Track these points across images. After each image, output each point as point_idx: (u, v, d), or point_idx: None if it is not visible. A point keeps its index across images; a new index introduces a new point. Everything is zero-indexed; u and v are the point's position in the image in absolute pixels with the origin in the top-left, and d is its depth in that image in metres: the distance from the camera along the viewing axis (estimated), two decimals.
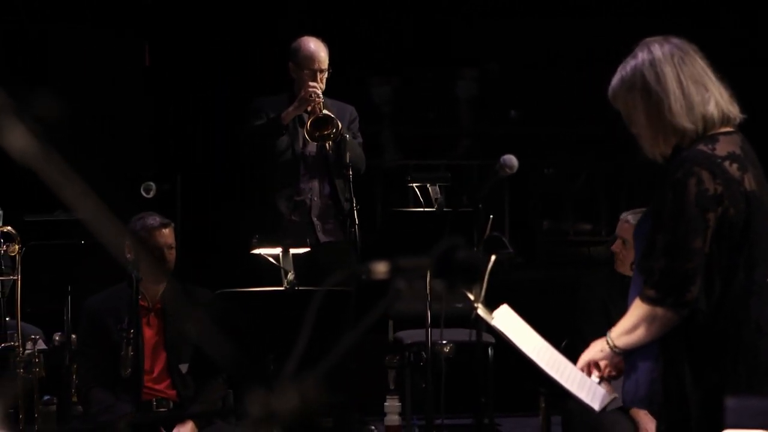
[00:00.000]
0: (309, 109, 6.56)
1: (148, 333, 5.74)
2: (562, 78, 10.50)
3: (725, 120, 3.43)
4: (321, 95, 6.53)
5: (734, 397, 2.73)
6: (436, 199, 6.45)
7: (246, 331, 5.04)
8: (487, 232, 5.72)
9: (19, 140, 1.48)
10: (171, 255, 5.81)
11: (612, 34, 10.24)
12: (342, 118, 6.62)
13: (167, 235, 5.81)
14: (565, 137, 10.59)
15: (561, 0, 10.63)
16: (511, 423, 7.81)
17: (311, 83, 6.54)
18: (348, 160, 6.48)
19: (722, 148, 3.38)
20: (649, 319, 3.41)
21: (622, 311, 5.92)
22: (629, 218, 6.04)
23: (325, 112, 6.49)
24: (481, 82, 10.30)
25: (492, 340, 6.56)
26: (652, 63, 3.43)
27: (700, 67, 3.46)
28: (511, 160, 4.55)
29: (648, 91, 3.41)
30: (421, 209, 6.53)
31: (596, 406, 3.69)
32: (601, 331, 5.91)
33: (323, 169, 6.72)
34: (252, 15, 9.85)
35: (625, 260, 6.02)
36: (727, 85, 3.49)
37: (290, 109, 6.58)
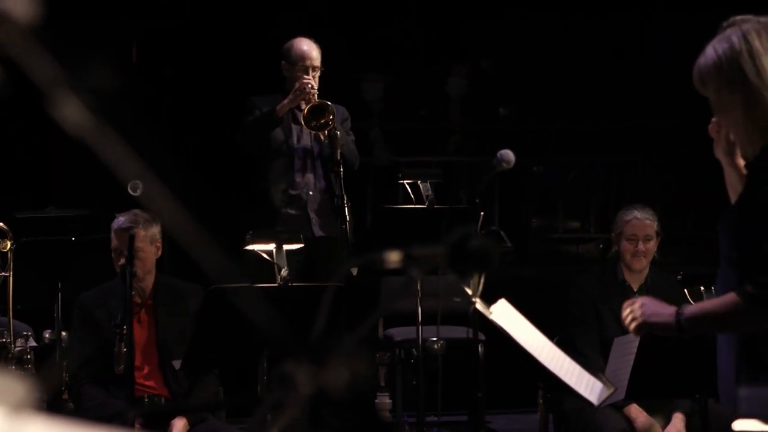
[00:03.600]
0: (303, 101, 6.59)
1: (140, 330, 5.72)
2: (552, 75, 10.52)
3: None
4: (315, 87, 6.57)
5: (748, 387, 2.71)
6: (427, 195, 6.45)
7: (239, 327, 5.03)
8: (479, 228, 5.74)
9: (74, 113, 1.46)
10: (143, 254, 5.73)
11: (602, 31, 10.27)
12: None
13: (141, 237, 5.72)
14: (554, 134, 10.61)
15: None
16: (504, 420, 7.82)
17: (305, 76, 6.60)
18: (339, 157, 6.50)
19: None
20: (737, 313, 3.14)
21: (613, 311, 5.98)
22: (637, 215, 6.06)
23: (321, 100, 6.53)
24: (471, 79, 10.30)
25: (482, 337, 6.56)
26: (751, 54, 3.20)
27: None
28: (508, 154, 4.57)
29: (748, 85, 3.19)
30: (411, 206, 6.52)
31: (594, 400, 3.69)
32: (592, 337, 5.96)
33: (318, 163, 6.75)
34: (243, 12, 9.84)
35: (639, 255, 6.02)
36: None
37: (285, 101, 6.61)
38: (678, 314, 3.24)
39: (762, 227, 3.12)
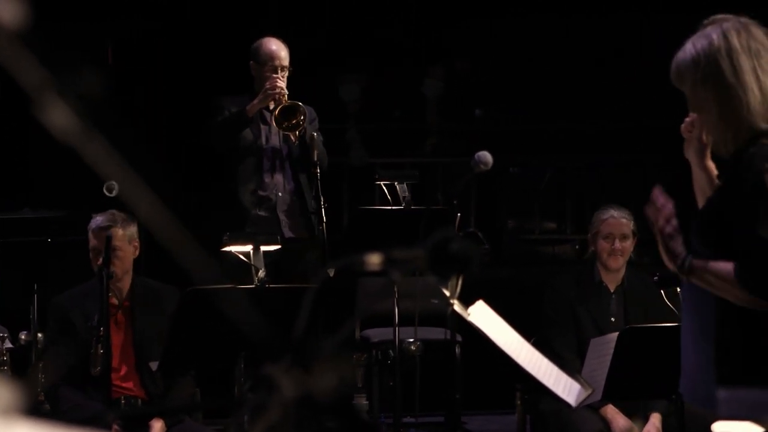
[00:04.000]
0: (273, 101, 6.59)
1: (116, 331, 5.71)
2: (530, 75, 10.51)
3: None
4: (285, 88, 6.57)
5: (727, 388, 2.71)
6: (403, 197, 6.45)
7: (216, 329, 5.02)
8: (456, 229, 5.75)
9: (61, 118, 1.46)
10: (121, 254, 5.73)
11: (578, 31, 10.27)
12: None
13: (119, 236, 5.71)
14: (530, 135, 10.60)
15: None
16: (481, 421, 7.82)
17: (275, 75, 6.59)
18: (315, 158, 6.50)
19: None
20: (728, 284, 3.13)
21: (590, 311, 6.00)
22: (614, 213, 6.09)
23: (292, 100, 6.53)
24: (447, 80, 10.29)
25: (459, 338, 6.57)
26: (729, 53, 3.21)
27: None
28: (486, 156, 4.57)
29: (724, 84, 3.20)
30: (388, 207, 6.52)
31: (572, 401, 3.71)
32: (569, 338, 5.97)
33: (287, 164, 6.74)
34: (218, 14, 9.82)
35: (615, 254, 6.03)
36: None
37: (255, 102, 6.59)
38: (687, 257, 3.18)
39: (753, 216, 3.10)
